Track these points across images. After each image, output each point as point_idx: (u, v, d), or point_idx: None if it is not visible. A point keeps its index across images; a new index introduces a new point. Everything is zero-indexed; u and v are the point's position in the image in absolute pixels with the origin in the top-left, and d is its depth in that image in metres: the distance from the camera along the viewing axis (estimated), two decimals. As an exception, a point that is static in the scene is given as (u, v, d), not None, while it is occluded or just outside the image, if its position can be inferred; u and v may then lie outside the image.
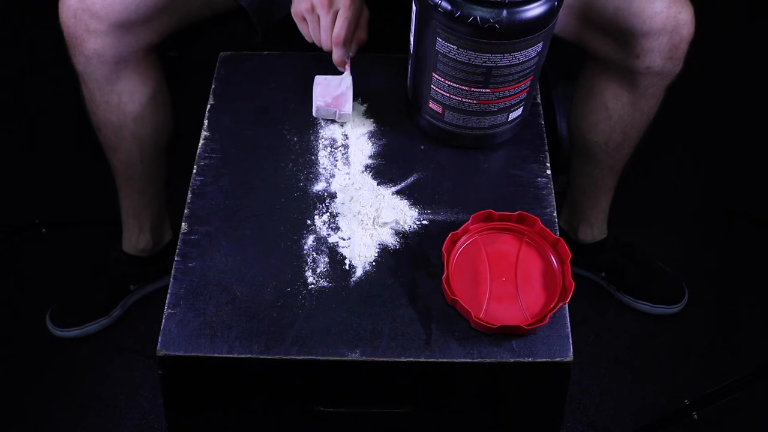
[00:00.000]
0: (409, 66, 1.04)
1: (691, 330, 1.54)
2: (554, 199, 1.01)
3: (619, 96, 1.25)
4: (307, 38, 1.07)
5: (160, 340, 0.88)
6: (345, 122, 1.08)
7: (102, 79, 1.19)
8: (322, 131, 1.08)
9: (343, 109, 1.06)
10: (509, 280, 0.93)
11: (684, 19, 1.13)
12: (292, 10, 1.05)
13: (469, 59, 0.92)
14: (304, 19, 1.05)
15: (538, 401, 0.97)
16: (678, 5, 1.12)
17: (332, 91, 1.06)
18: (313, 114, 1.07)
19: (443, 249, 0.92)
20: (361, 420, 0.99)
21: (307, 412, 0.96)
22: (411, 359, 0.88)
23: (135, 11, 1.13)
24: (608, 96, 1.26)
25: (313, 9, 1.03)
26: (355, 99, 1.11)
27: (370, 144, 1.07)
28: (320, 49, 1.07)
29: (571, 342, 0.89)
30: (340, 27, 1.03)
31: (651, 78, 1.19)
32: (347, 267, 0.95)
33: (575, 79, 1.34)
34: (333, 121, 1.09)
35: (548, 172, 1.04)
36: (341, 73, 1.08)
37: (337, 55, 1.05)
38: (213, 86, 1.12)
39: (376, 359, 0.88)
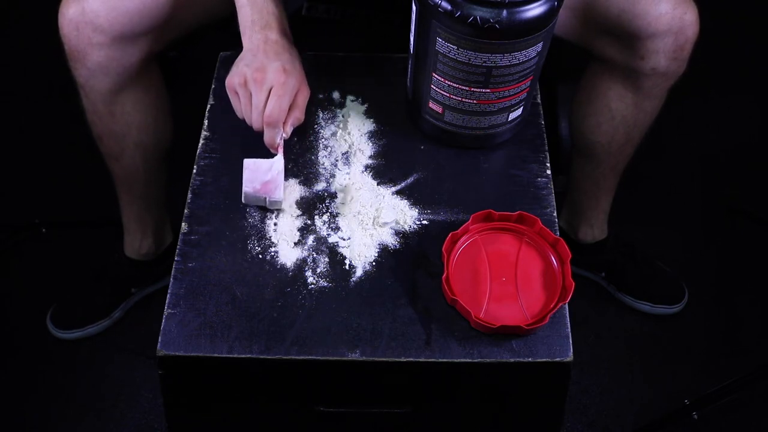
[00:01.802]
0: (409, 66, 1.04)
1: (691, 330, 1.54)
2: (554, 199, 1.01)
3: (623, 97, 1.24)
4: (237, 114, 1.00)
5: (160, 340, 0.88)
6: (277, 209, 0.99)
7: (105, 91, 1.18)
8: (322, 131, 1.08)
9: (273, 196, 0.97)
10: (509, 280, 0.93)
11: (689, 19, 1.13)
12: (226, 82, 0.99)
13: (469, 59, 0.92)
14: (237, 93, 0.98)
15: (538, 401, 0.97)
16: (683, 6, 1.12)
17: (261, 177, 0.97)
18: (242, 200, 0.99)
19: (443, 249, 0.92)
20: (361, 420, 0.99)
21: (307, 412, 0.96)
22: (411, 359, 0.88)
23: (138, 23, 1.11)
24: (612, 97, 1.25)
25: (246, 84, 0.96)
26: (354, 99, 1.11)
27: (370, 144, 1.07)
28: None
29: (571, 342, 0.89)
30: (272, 107, 0.95)
31: (655, 79, 1.19)
32: (347, 267, 0.95)
33: (577, 79, 1.34)
34: (333, 122, 1.09)
35: (548, 172, 1.04)
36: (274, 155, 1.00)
37: (268, 136, 0.98)
38: (213, 86, 1.12)
39: (376, 359, 0.88)
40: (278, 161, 0.99)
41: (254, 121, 0.97)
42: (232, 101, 1.00)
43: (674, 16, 1.11)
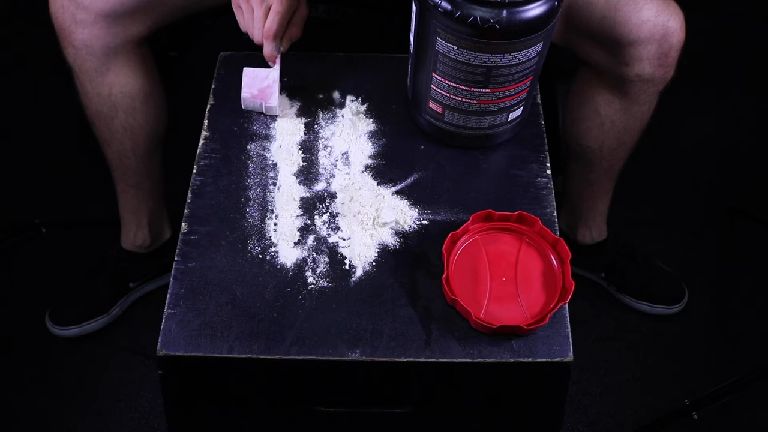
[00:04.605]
0: (409, 66, 1.04)
1: (691, 330, 1.54)
2: (554, 199, 1.01)
3: (611, 102, 1.24)
4: (241, 28, 1.06)
5: (160, 340, 0.88)
6: (274, 116, 1.08)
7: (92, 71, 1.20)
8: (321, 131, 1.08)
9: (269, 102, 1.06)
10: (509, 280, 0.93)
11: (673, 26, 1.12)
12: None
13: (469, 59, 0.92)
14: (241, 8, 1.04)
15: (538, 401, 0.97)
16: (666, 13, 1.11)
17: (259, 83, 1.06)
18: (242, 106, 1.07)
19: (443, 249, 0.92)
20: (361, 420, 0.99)
21: (307, 412, 0.96)
22: (411, 359, 0.88)
23: (121, 2, 1.13)
24: (600, 102, 1.25)
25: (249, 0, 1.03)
26: (354, 99, 1.11)
27: (370, 144, 1.07)
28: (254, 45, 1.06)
29: (571, 342, 0.89)
30: (271, 21, 1.02)
31: (641, 85, 1.18)
32: (347, 267, 0.95)
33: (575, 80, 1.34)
34: (333, 122, 1.09)
35: (548, 172, 1.04)
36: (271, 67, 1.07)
37: (267, 49, 1.04)
38: (213, 86, 1.12)
39: (376, 359, 0.88)
40: (275, 71, 1.06)
41: (255, 35, 1.03)
42: (237, 16, 1.05)
43: (657, 23, 1.10)
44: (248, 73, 1.06)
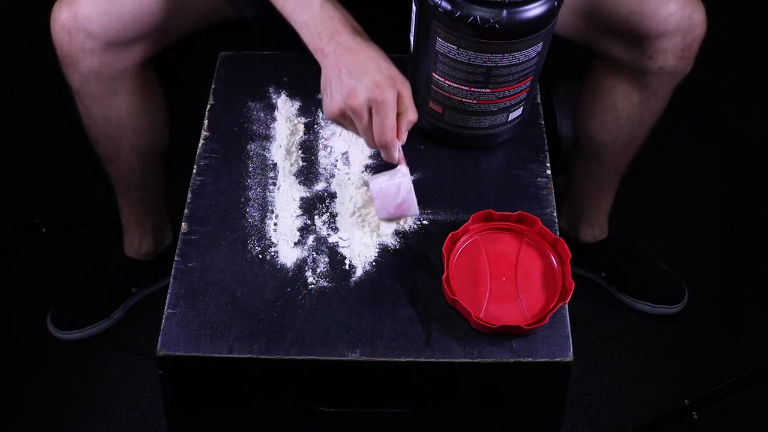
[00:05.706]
0: (409, 66, 1.04)
1: (691, 330, 1.54)
2: (554, 199, 1.01)
3: (630, 96, 1.24)
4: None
5: (160, 340, 0.88)
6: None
7: (99, 96, 1.18)
8: (322, 131, 1.08)
9: (408, 213, 0.97)
10: (509, 280, 0.93)
11: (697, 18, 1.13)
12: (326, 116, 0.94)
13: (469, 59, 0.92)
14: (341, 123, 0.94)
15: (538, 401, 0.97)
16: (691, 5, 1.12)
17: (392, 201, 0.95)
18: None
19: (443, 249, 0.92)
20: (361, 420, 0.99)
21: (307, 412, 0.96)
22: (411, 359, 0.88)
23: (131, 29, 1.11)
24: (618, 96, 1.25)
25: (344, 115, 0.91)
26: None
27: (370, 144, 1.07)
28: None
29: (571, 342, 0.89)
30: (379, 131, 0.89)
31: (662, 78, 1.19)
32: (347, 267, 0.95)
33: (576, 79, 1.34)
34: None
35: (548, 172, 1.04)
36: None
37: (385, 155, 0.93)
38: (213, 86, 1.12)
39: (376, 359, 0.88)
40: (404, 182, 0.94)
41: (369, 145, 0.93)
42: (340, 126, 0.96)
43: (683, 16, 1.11)
44: (377, 193, 0.95)
